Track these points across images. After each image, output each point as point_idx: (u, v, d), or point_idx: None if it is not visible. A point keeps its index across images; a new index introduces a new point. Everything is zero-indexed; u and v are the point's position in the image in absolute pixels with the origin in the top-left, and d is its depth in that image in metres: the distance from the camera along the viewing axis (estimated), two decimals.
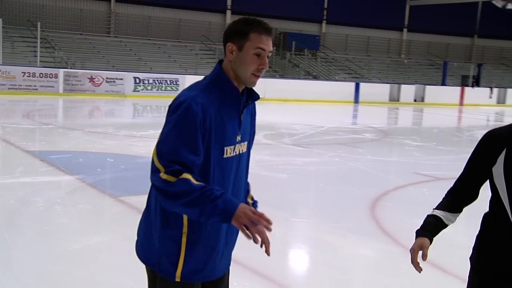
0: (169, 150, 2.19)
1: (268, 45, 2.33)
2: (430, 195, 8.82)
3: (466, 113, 28.69)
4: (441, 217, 2.49)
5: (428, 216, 2.53)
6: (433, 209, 2.53)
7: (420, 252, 2.44)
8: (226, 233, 2.41)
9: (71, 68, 24.80)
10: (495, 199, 2.39)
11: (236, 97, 2.37)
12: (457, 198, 2.52)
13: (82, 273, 4.80)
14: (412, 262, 2.46)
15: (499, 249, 2.34)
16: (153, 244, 2.35)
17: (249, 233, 2.14)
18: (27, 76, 22.80)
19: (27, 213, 6.51)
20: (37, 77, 23.01)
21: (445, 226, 2.51)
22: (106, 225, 6.25)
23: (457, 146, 15.00)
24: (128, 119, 19.12)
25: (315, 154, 12.04)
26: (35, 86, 22.92)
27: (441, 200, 2.57)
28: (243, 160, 2.49)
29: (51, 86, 23.21)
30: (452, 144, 15.53)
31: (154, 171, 2.19)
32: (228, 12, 35.63)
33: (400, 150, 13.64)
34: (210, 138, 2.26)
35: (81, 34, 30.83)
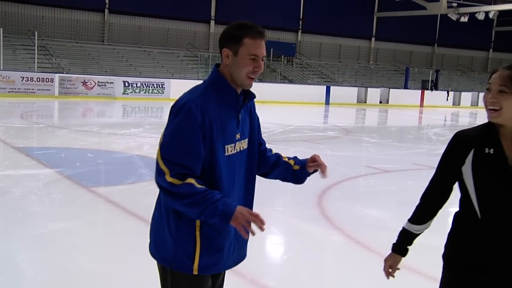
0: (173, 154, 2.16)
1: (261, 49, 2.28)
2: (375, 185, 8.96)
3: (426, 113, 28.88)
4: (411, 231, 2.46)
5: (401, 229, 2.49)
6: (407, 220, 2.47)
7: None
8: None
9: (66, 73, 24.68)
10: (464, 198, 2.33)
11: (234, 97, 2.33)
12: (428, 203, 2.44)
13: (41, 255, 4.82)
14: (383, 270, 2.53)
15: (470, 245, 2.29)
16: (168, 242, 2.28)
17: (245, 232, 2.15)
18: (26, 80, 22.67)
19: (3, 201, 6.52)
20: (35, 81, 22.89)
21: (417, 235, 2.48)
22: (73, 212, 6.23)
23: (409, 143, 15.11)
24: (114, 119, 19.02)
25: (279, 149, 11.85)
26: (33, 89, 22.80)
27: (415, 207, 2.49)
28: (245, 155, 2.44)
29: (48, 90, 23.10)
30: (405, 141, 15.63)
31: (160, 173, 2.17)
32: (212, 22, 35.58)
33: (357, 146, 13.72)
34: (212, 138, 2.22)
35: (77, 42, 30.66)
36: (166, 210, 2.28)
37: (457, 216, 2.39)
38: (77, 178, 7.90)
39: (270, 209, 6.81)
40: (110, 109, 21.52)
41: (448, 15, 34.52)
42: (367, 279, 4.75)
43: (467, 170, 2.25)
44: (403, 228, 2.48)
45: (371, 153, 12.36)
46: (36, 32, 25.28)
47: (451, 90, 35.05)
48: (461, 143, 2.27)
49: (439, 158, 2.40)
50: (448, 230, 2.42)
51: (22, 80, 22.56)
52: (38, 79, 22.99)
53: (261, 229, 2.13)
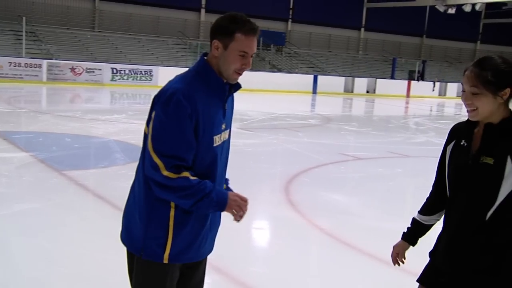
0: (166, 146, 2.10)
1: (252, 46, 2.21)
2: (345, 172, 9.04)
3: (411, 103, 28.98)
4: (420, 221, 2.48)
5: (412, 218, 2.52)
6: (417, 211, 2.51)
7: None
8: (210, 216, 2.33)
9: (56, 59, 24.57)
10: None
11: (221, 87, 2.26)
12: (432, 194, 2.47)
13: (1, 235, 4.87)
14: (391, 256, 2.56)
15: (442, 232, 2.35)
16: (139, 230, 2.23)
17: (238, 217, 2.24)
18: (13, 66, 22.54)
19: None
20: (23, 66, 22.76)
21: (428, 226, 2.48)
22: (41, 194, 6.27)
23: (388, 131, 15.18)
24: (99, 105, 18.98)
25: (257, 136, 12.13)
26: (21, 75, 22.68)
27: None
28: (226, 147, 2.41)
29: (36, 75, 22.98)
30: (384, 130, 15.69)
31: (155, 167, 2.11)
32: (203, 11, 35.42)
33: (335, 134, 13.77)
34: (198, 128, 2.15)
35: (67, 29, 30.46)
36: (139, 197, 2.24)
37: None
38: (51, 161, 7.91)
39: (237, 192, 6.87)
40: (96, 95, 21.47)
41: (436, 6, 34.51)
42: (322, 262, 4.84)
43: (447, 157, 2.32)
44: (413, 217, 2.52)
45: (348, 141, 12.44)
46: (24, 18, 25.11)
47: (437, 81, 35.14)
48: (450, 135, 2.34)
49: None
50: None
51: (9, 66, 22.44)
52: (26, 64, 22.86)
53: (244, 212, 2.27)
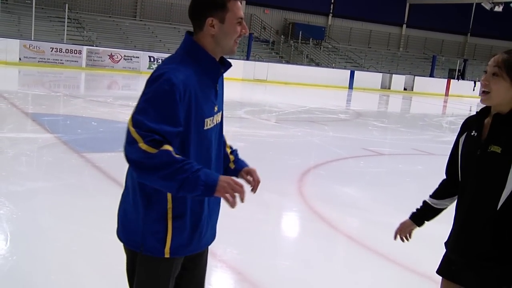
0: (148, 120, 1.91)
1: (241, 10, 2.16)
2: (364, 167, 8.94)
3: (449, 102, 28.37)
4: (430, 203, 2.54)
5: (422, 201, 2.59)
6: (429, 195, 2.58)
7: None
8: (208, 204, 2.21)
9: (95, 46, 25.11)
10: None
11: (214, 67, 2.16)
12: (442, 185, 2.55)
13: (8, 210, 5.01)
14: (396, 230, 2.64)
15: (453, 224, 2.39)
16: (136, 225, 2.12)
17: (233, 201, 1.95)
18: (55, 51, 23.15)
19: None
20: (64, 52, 23.36)
21: (437, 209, 2.54)
22: (55, 174, 6.43)
23: (417, 129, 14.88)
24: (132, 92, 19.23)
25: (282, 128, 12.12)
26: (61, 60, 23.27)
27: None
28: (218, 129, 2.27)
29: (76, 61, 23.56)
30: (414, 127, 15.38)
31: (131, 142, 1.91)
32: (244, 3, 35.42)
33: (362, 129, 13.59)
34: (190, 110, 2.02)
35: (109, 16, 31.07)
36: (134, 190, 2.11)
37: None
38: (73, 144, 8.10)
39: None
40: (133, 82, 21.83)
41: (482, 4, 33.58)
42: (324, 253, 4.82)
43: (459, 148, 2.37)
44: (424, 199, 2.58)
45: (374, 136, 12.27)
46: (66, 5, 25.73)
47: (479, 80, 34.12)
48: (462, 127, 2.40)
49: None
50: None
51: (51, 51, 23.05)
52: (67, 50, 23.45)
53: (242, 200, 1.97)
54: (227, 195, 1.93)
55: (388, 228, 5.61)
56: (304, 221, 5.75)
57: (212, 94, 2.17)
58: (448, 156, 2.47)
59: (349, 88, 29.64)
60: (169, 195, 2.06)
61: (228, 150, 2.46)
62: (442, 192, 2.51)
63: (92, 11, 30.74)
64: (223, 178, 1.95)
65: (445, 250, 2.45)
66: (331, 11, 38.65)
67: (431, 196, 2.54)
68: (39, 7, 26.04)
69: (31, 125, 9.39)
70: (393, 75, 32.15)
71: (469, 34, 43.05)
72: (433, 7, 38.89)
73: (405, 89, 31.88)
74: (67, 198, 5.59)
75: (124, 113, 12.03)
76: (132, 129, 1.92)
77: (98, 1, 31.39)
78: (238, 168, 2.42)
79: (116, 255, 3.44)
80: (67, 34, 25.26)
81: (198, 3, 2.11)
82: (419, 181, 8.16)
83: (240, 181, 2.04)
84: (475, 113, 2.37)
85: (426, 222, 2.57)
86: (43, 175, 6.38)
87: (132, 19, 32.24)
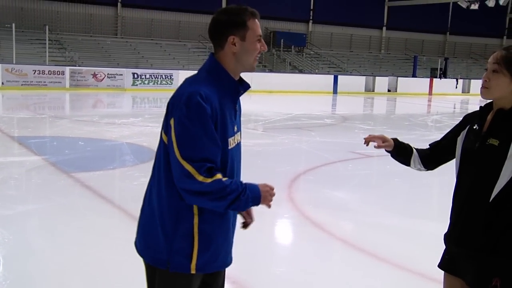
0: (195, 151, 2.02)
1: (259, 27, 2.23)
2: (352, 170, 9.00)
3: (433, 101, 28.60)
4: (414, 150, 2.62)
5: (408, 145, 2.67)
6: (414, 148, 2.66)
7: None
8: (232, 221, 2.30)
9: (79, 66, 25.09)
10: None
11: (234, 87, 2.22)
12: (431, 150, 2.61)
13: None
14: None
15: (451, 216, 2.44)
16: (162, 242, 2.14)
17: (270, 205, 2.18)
18: (37, 73, 23.10)
19: None
20: (47, 74, 23.33)
21: (409, 157, 2.63)
22: (46, 195, 6.42)
23: (403, 129, 14.95)
24: (117, 109, 19.27)
25: (269, 136, 12.17)
26: (45, 82, 23.23)
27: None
28: (239, 149, 2.32)
29: (59, 82, 23.51)
30: (400, 128, 15.47)
31: (187, 175, 2.02)
32: None
33: (349, 132, 13.68)
34: (217, 131, 2.09)
35: (91, 36, 31.06)
36: (161, 208, 2.14)
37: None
38: (61, 164, 8.08)
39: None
40: (117, 100, 21.83)
41: (458, 2, 34.02)
42: (319, 257, 4.85)
43: (460, 141, 2.43)
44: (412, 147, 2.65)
45: (360, 139, 12.09)
46: (47, 27, 25.72)
47: (460, 78, 34.63)
48: (464, 121, 2.48)
49: (427, 144, 2.64)
50: None
51: (34, 73, 23.00)
52: (50, 71, 23.42)
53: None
54: (269, 202, 2.16)
55: (380, 228, 5.71)
56: (296, 226, 5.78)
57: (232, 114, 2.22)
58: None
59: (333, 93, 29.81)
60: (195, 210, 2.13)
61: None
62: (426, 155, 2.59)
63: (73, 31, 30.74)
64: (261, 188, 2.14)
65: (444, 246, 2.49)
66: (311, 18, 38.96)
67: (418, 155, 2.61)
68: (19, 31, 26.00)
69: (18, 149, 9.36)
70: (376, 77, 32.43)
71: (448, 33, 43.67)
72: (411, 8, 39.33)
73: (389, 90, 32.14)
74: (58, 219, 5.58)
75: (110, 131, 12.04)
76: (183, 162, 2.03)
77: (78, 21, 31.41)
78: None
79: (112, 273, 3.49)
80: (49, 56, 25.23)
81: (219, 23, 2.18)
82: (408, 181, 8.23)
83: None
84: (478, 108, 2.45)
85: (395, 154, 2.65)
86: (32, 198, 6.37)
87: (114, 36, 32.27)
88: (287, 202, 6.57)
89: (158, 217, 2.15)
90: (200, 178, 2.00)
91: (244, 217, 2.48)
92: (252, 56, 2.20)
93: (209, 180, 2.01)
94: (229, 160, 2.18)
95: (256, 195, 2.11)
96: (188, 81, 2.18)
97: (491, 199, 2.23)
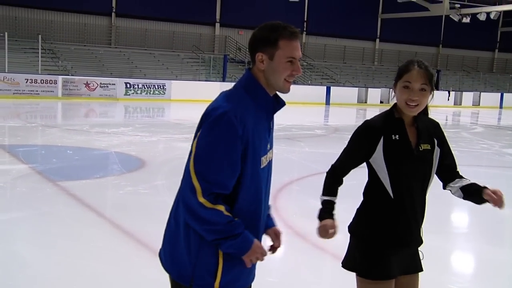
0: (209, 169, 1.98)
1: (298, 50, 2.12)
2: None
3: None
4: (332, 200, 2.71)
5: (325, 201, 2.71)
6: (324, 195, 2.71)
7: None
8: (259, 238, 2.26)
9: (71, 75, 25.13)
10: (374, 182, 2.58)
11: (269, 104, 2.15)
12: (335, 181, 2.73)
13: None
14: (323, 237, 2.66)
15: (387, 223, 2.55)
16: (187, 258, 2.10)
17: (250, 264, 2.13)
18: (30, 82, 23.12)
19: None
20: (39, 83, 23.35)
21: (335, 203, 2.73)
22: (30, 204, 6.43)
23: None
24: (108, 119, 19.24)
25: None
26: (37, 91, 23.25)
27: (325, 185, 2.75)
28: (271, 168, 2.27)
29: (51, 91, 23.53)
30: None
31: (191, 189, 1.99)
32: (217, 25, 35.82)
33: (339, 143, 13.55)
34: (247, 150, 2.04)
35: (85, 45, 31.12)
36: (186, 224, 2.09)
37: (368, 198, 2.66)
38: (48, 173, 8.10)
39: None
40: (109, 109, 21.82)
41: (450, 16, 34.36)
42: (298, 265, 4.88)
43: (379, 155, 2.48)
44: (324, 200, 2.70)
45: None
46: (40, 36, 25.79)
47: (452, 90, 34.87)
48: (371, 133, 2.51)
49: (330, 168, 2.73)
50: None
51: (26, 82, 23.02)
52: (42, 81, 23.45)
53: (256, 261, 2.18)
54: (250, 260, 2.10)
55: None
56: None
57: (266, 131, 2.17)
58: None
59: (326, 104, 29.96)
60: None
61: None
62: (335, 188, 2.73)
63: (66, 40, 30.79)
64: (255, 247, 2.10)
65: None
66: (305, 29, 39.17)
67: (329, 195, 2.70)
68: (12, 39, 26.03)
69: (5, 157, 9.36)
70: (369, 89, 32.65)
71: (440, 45, 44.00)
72: (404, 21, 39.65)
73: (381, 102, 32.32)
74: (43, 227, 5.60)
75: (100, 140, 12.06)
76: (193, 176, 1.99)
77: (71, 30, 31.46)
78: (269, 225, 2.44)
79: (97, 283, 3.48)
80: (41, 65, 25.25)
81: (252, 37, 2.14)
82: None
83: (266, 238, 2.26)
84: (378, 119, 2.58)
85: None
86: (16, 206, 6.38)
87: (107, 46, 32.34)
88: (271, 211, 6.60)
89: (183, 230, 2.11)
90: (201, 199, 1.97)
91: (272, 240, 2.43)
92: (280, 77, 2.11)
93: (209, 206, 1.98)
94: (260, 180, 2.14)
95: (245, 246, 2.07)
96: (223, 95, 2.12)
97: (426, 194, 2.54)
